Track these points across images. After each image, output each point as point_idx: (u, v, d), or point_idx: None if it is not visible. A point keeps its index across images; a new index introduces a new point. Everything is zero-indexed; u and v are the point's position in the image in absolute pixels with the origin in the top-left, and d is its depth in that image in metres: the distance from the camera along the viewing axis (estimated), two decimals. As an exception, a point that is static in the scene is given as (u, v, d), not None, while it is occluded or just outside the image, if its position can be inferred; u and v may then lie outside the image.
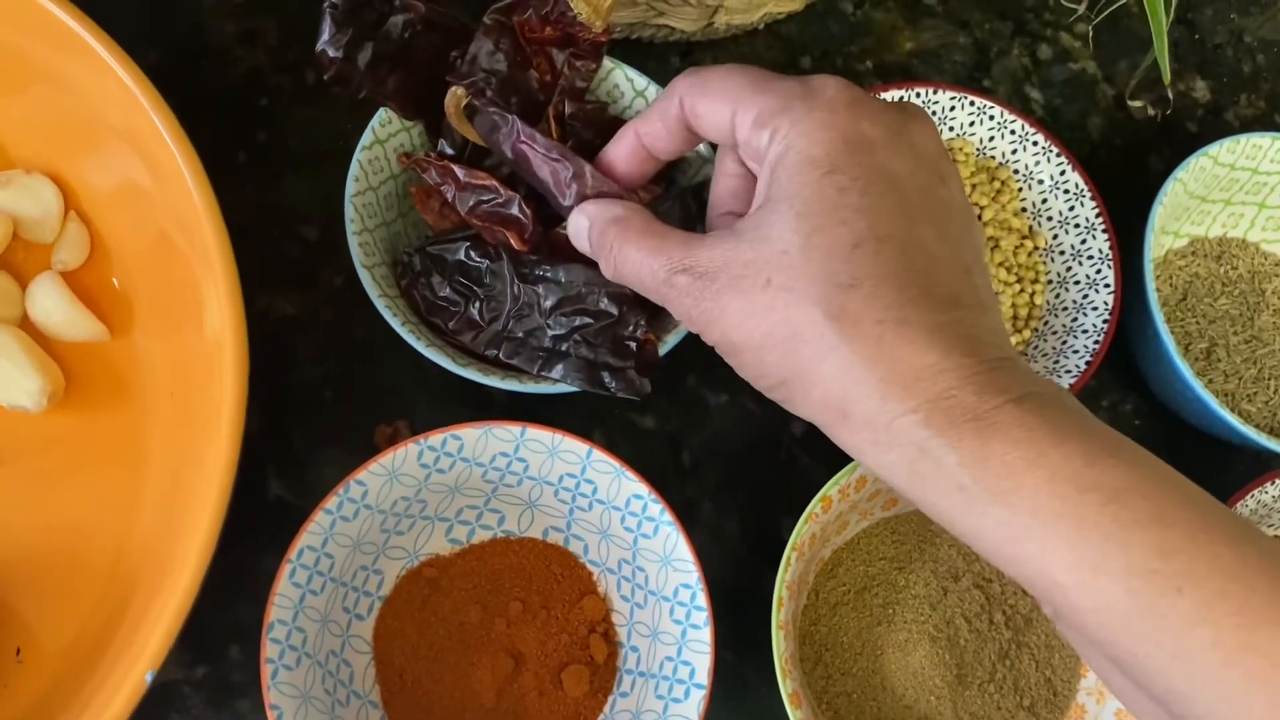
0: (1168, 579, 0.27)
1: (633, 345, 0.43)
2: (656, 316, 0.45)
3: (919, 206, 0.33)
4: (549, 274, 0.43)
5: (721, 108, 0.35)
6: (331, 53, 0.42)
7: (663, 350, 0.44)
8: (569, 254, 0.43)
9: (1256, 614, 0.26)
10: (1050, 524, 0.28)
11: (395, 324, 0.43)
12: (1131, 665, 0.28)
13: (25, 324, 0.47)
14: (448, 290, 0.45)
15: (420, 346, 0.43)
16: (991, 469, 0.29)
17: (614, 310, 0.43)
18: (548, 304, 0.43)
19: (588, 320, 0.43)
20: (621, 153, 0.40)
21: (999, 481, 0.29)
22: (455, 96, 0.43)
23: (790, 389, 0.32)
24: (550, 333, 0.44)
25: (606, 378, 0.43)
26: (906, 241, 0.32)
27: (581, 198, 0.40)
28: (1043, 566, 0.29)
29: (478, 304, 0.45)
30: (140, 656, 0.37)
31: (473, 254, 0.44)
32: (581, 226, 0.39)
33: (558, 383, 0.43)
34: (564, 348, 0.43)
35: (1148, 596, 0.27)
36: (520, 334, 0.44)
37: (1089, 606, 0.28)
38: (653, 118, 0.38)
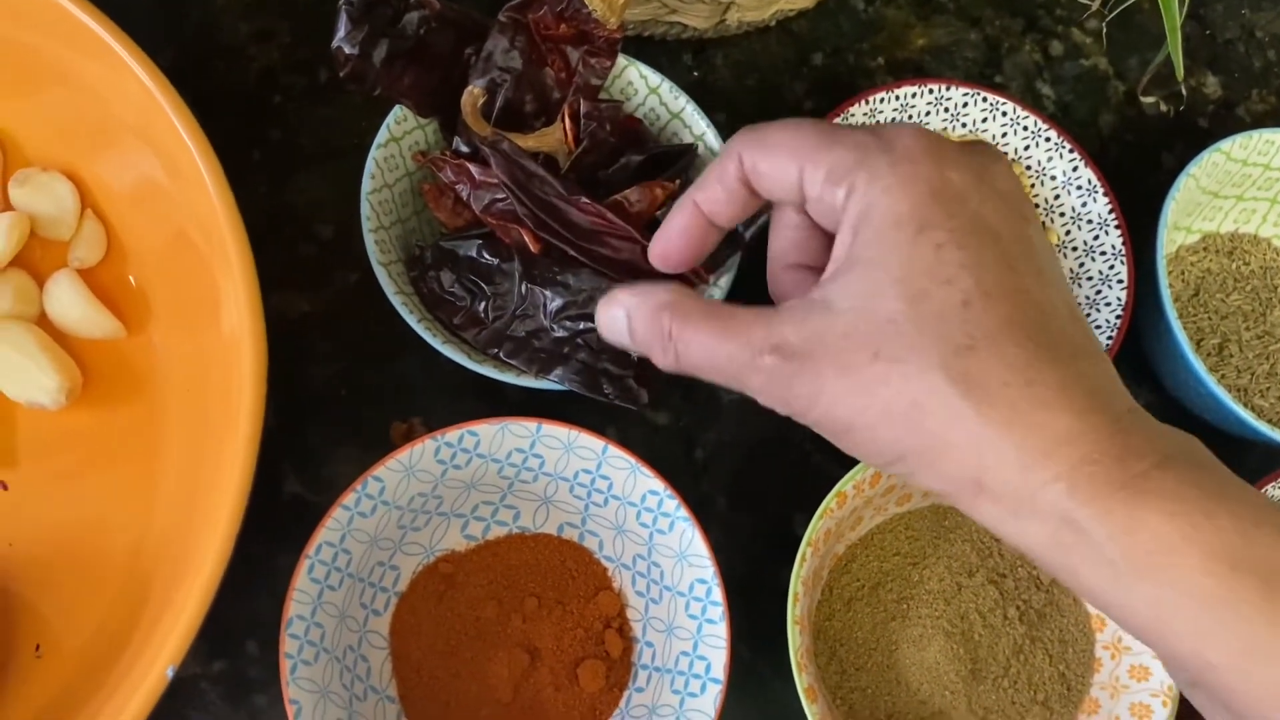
0: None
1: (634, 355, 0.43)
2: None
3: (1017, 254, 0.31)
4: (559, 277, 0.43)
5: (787, 164, 0.33)
6: (347, 49, 0.42)
7: None
8: (579, 260, 0.44)
9: None
10: (1206, 606, 0.27)
11: (411, 321, 0.43)
12: None
13: (43, 321, 0.47)
14: (456, 286, 0.45)
15: (436, 343, 0.43)
16: (1142, 544, 0.27)
17: None
18: (553, 306, 0.44)
19: (591, 326, 0.43)
20: (681, 224, 0.36)
21: (1150, 558, 0.27)
22: (472, 96, 0.44)
23: (913, 463, 0.30)
24: (553, 335, 0.44)
25: (605, 384, 0.43)
26: (1015, 293, 0.30)
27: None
28: (1196, 647, 0.27)
29: (484, 301, 0.45)
30: (161, 652, 0.38)
31: (485, 252, 0.45)
32: (617, 319, 0.35)
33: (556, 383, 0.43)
34: (566, 351, 0.43)
35: None
36: (522, 334, 0.44)
37: (1244, 689, 0.27)
38: (710, 182, 0.35)
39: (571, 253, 0.43)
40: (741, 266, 0.46)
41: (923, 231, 0.30)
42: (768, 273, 0.37)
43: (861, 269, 0.30)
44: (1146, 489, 0.28)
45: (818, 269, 0.34)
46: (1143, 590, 0.27)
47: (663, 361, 0.34)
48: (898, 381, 0.29)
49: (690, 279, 0.45)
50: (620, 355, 0.42)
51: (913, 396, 0.29)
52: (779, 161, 0.33)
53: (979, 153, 0.32)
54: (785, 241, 0.36)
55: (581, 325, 0.43)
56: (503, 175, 0.42)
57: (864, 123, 0.51)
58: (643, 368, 0.43)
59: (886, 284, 0.30)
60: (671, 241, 0.37)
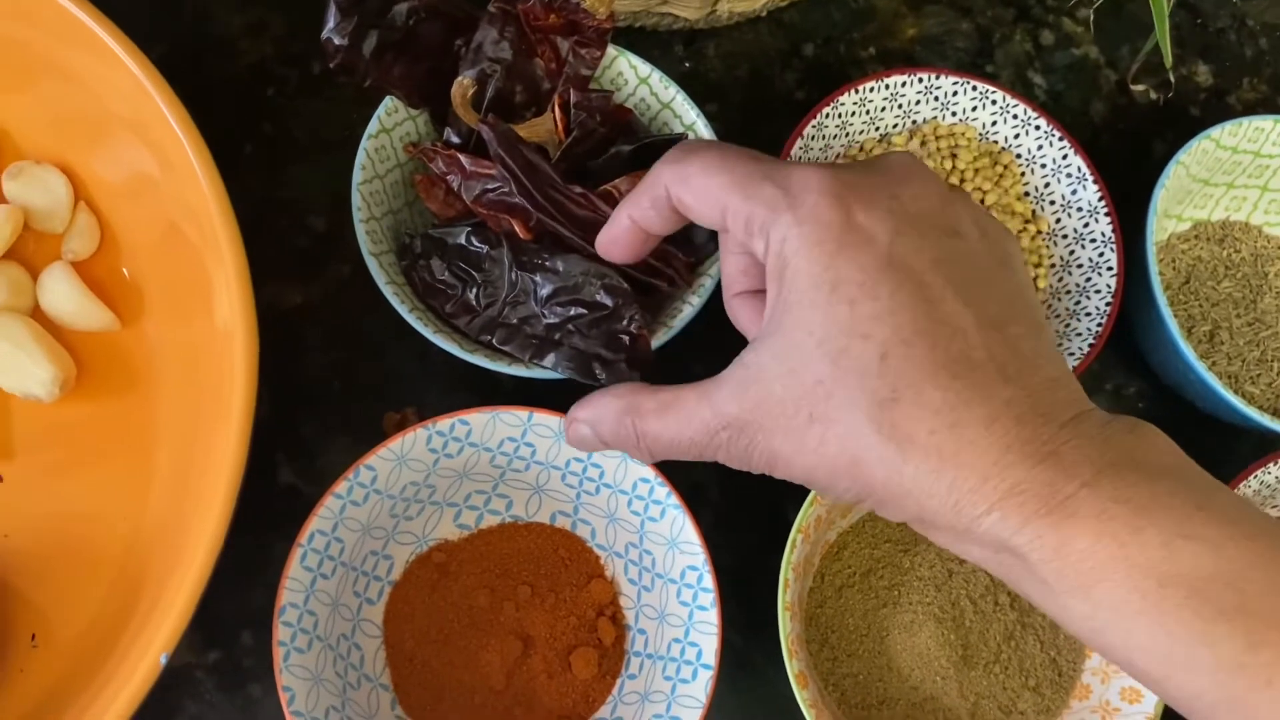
0: (1256, 672, 0.27)
1: (626, 339, 0.43)
2: (654, 309, 0.46)
3: (935, 283, 0.31)
4: (548, 263, 0.44)
5: (710, 204, 0.34)
6: (337, 41, 0.42)
7: (656, 344, 0.44)
8: (569, 244, 0.44)
9: None
10: (1133, 621, 0.28)
11: (403, 311, 0.43)
12: None
13: (37, 314, 0.47)
14: (446, 274, 0.45)
15: (428, 333, 0.43)
16: (1071, 565, 0.29)
17: (609, 302, 0.43)
18: (544, 292, 0.44)
19: (582, 311, 0.43)
20: (617, 235, 0.39)
21: (1079, 578, 0.29)
22: (462, 87, 0.44)
23: (870, 504, 0.32)
24: (545, 321, 0.44)
25: (597, 369, 0.43)
26: (933, 330, 0.31)
27: None
28: (1129, 659, 0.29)
29: (475, 289, 0.45)
30: (154, 640, 0.38)
31: (473, 239, 0.45)
32: (584, 435, 0.39)
33: (550, 370, 0.44)
34: (558, 337, 0.44)
35: (1238, 690, 0.27)
36: (514, 321, 0.44)
37: (1180, 696, 0.29)
38: (642, 202, 0.37)
39: (566, 234, 0.43)
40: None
41: (835, 290, 0.31)
42: (723, 299, 0.39)
43: (786, 332, 0.32)
44: (1075, 511, 0.29)
45: (763, 294, 0.35)
46: (1077, 607, 0.29)
47: (641, 458, 0.37)
48: (834, 441, 0.31)
49: (672, 278, 0.45)
50: (612, 340, 0.43)
51: (851, 454, 0.31)
52: (701, 202, 0.34)
53: (888, 179, 0.33)
54: (732, 269, 0.38)
55: (572, 311, 0.43)
56: (501, 152, 0.42)
57: (854, 111, 0.51)
58: (633, 352, 0.43)
59: (810, 346, 0.31)
60: (614, 243, 0.39)
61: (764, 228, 0.33)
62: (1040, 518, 0.29)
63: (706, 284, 0.45)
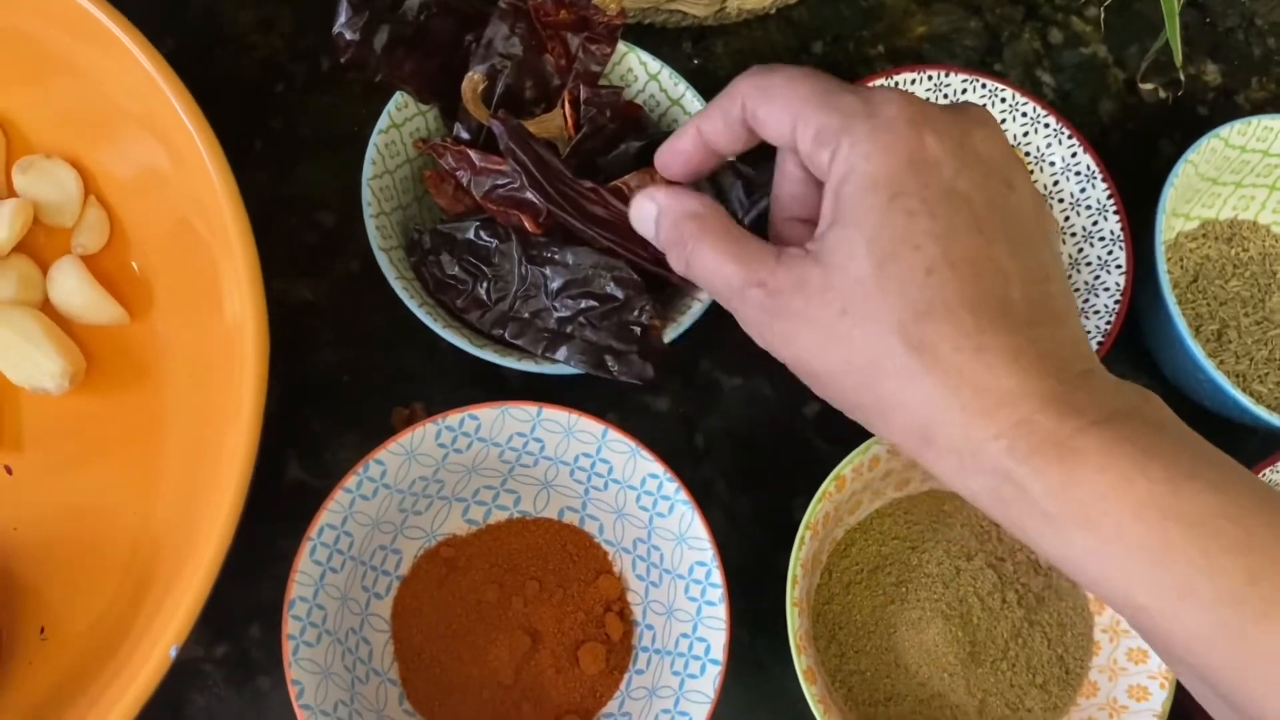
0: (1255, 606, 0.27)
1: (637, 330, 0.43)
2: (664, 303, 0.46)
3: (990, 221, 0.32)
4: (557, 256, 0.44)
5: (783, 117, 0.35)
6: (348, 35, 0.42)
7: (669, 337, 0.44)
8: (580, 238, 0.44)
9: None
10: (1135, 553, 0.28)
11: (413, 306, 0.43)
12: (1222, 687, 0.28)
13: (46, 307, 0.47)
14: (456, 269, 0.45)
15: (437, 328, 0.43)
16: (1075, 498, 0.29)
17: (619, 295, 0.43)
18: (554, 286, 0.44)
19: (593, 303, 0.43)
20: (683, 146, 0.39)
21: (1083, 510, 0.29)
22: (472, 82, 0.44)
23: (870, 414, 0.32)
24: (556, 314, 0.44)
25: (610, 361, 0.43)
26: (980, 262, 0.31)
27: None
28: (1129, 593, 0.29)
29: (485, 283, 0.45)
30: (164, 633, 0.38)
31: (482, 234, 0.45)
32: (648, 212, 0.38)
33: (560, 364, 0.44)
34: (569, 330, 0.44)
35: (1236, 624, 0.27)
36: (526, 314, 0.44)
37: (1177, 632, 0.28)
38: (714, 115, 0.37)
39: (577, 226, 0.43)
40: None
41: (896, 198, 0.32)
42: (770, 222, 0.39)
43: (841, 229, 0.32)
44: (1082, 446, 0.29)
45: (814, 223, 0.35)
46: (1078, 539, 0.29)
47: (675, 265, 0.37)
48: (860, 339, 0.31)
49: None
50: (623, 331, 0.43)
51: (872, 355, 0.31)
52: (776, 112, 0.35)
53: (963, 118, 0.34)
54: (786, 194, 0.38)
55: (583, 304, 0.43)
56: (513, 146, 0.42)
57: (863, 109, 0.51)
58: (645, 343, 0.43)
59: (860, 245, 0.32)
60: (675, 157, 0.40)
61: (836, 135, 0.33)
62: (1048, 448, 0.29)
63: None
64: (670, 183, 0.40)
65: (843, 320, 0.32)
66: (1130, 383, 0.32)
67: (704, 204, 0.37)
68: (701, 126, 0.38)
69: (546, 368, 0.44)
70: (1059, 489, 0.29)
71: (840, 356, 0.32)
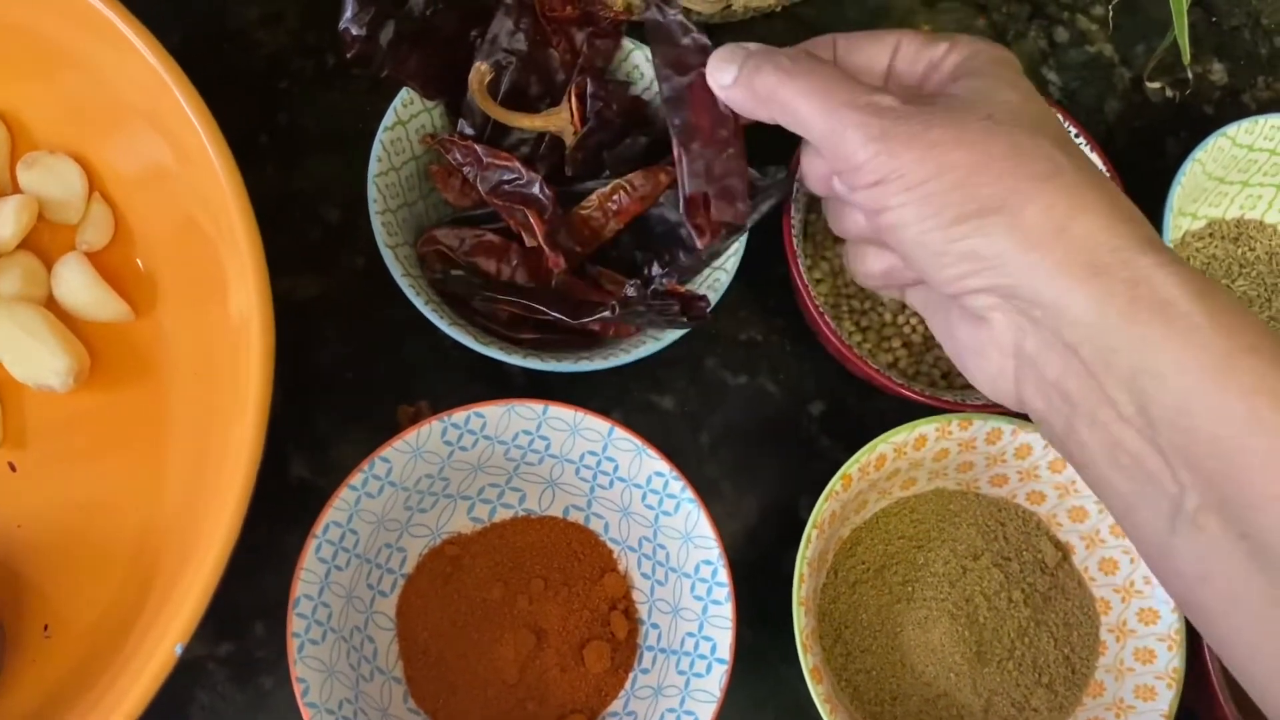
0: None
1: (671, 303, 0.43)
2: (687, 273, 0.46)
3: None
4: None
5: (885, 41, 0.38)
6: (354, 31, 0.42)
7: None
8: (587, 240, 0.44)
9: None
10: (1274, 362, 0.29)
11: (419, 303, 0.43)
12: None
13: (51, 304, 0.47)
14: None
15: (443, 325, 0.43)
16: (1219, 306, 0.30)
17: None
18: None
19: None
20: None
21: (1226, 317, 0.29)
22: (479, 73, 0.44)
23: (991, 215, 0.32)
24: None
25: (671, 308, 0.43)
26: (1084, 157, 0.34)
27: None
28: (1252, 405, 0.29)
29: None
30: (168, 631, 0.38)
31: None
32: (737, 53, 0.37)
33: (580, 359, 0.43)
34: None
35: None
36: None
37: (1230, 449, 0.29)
38: (794, 52, 0.38)
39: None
40: (749, 246, 0.46)
41: (1018, 81, 0.35)
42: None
43: (978, 76, 0.35)
44: (1165, 279, 0.30)
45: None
46: (1217, 345, 0.29)
47: (768, 80, 0.36)
48: (1004, 136, 0.32)
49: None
50: (661, 310, 0.43)
51: (1019, 145, 0.32)
52: (879, 37, 0.38)
53: None
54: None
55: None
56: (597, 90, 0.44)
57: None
58: (683, 301, 0.43)
59: (1003, 84, 0.34)
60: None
61: (950, 36, 0.37)
62: (1179, 263, 0.31)
63: (722, 278, 0.45)
64: None
65: (985, 124, 0.32)
66: None
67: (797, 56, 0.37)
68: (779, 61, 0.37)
69: (551, 365, 0.43)
70: (1204, 294, 0.30)
71: (976, 153, 0.32)
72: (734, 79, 0.37)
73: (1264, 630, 0.30)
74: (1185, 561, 0.31)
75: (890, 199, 0.33)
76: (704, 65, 0.39)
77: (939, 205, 0.32)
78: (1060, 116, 0.52)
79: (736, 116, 0.40)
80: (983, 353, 0.35)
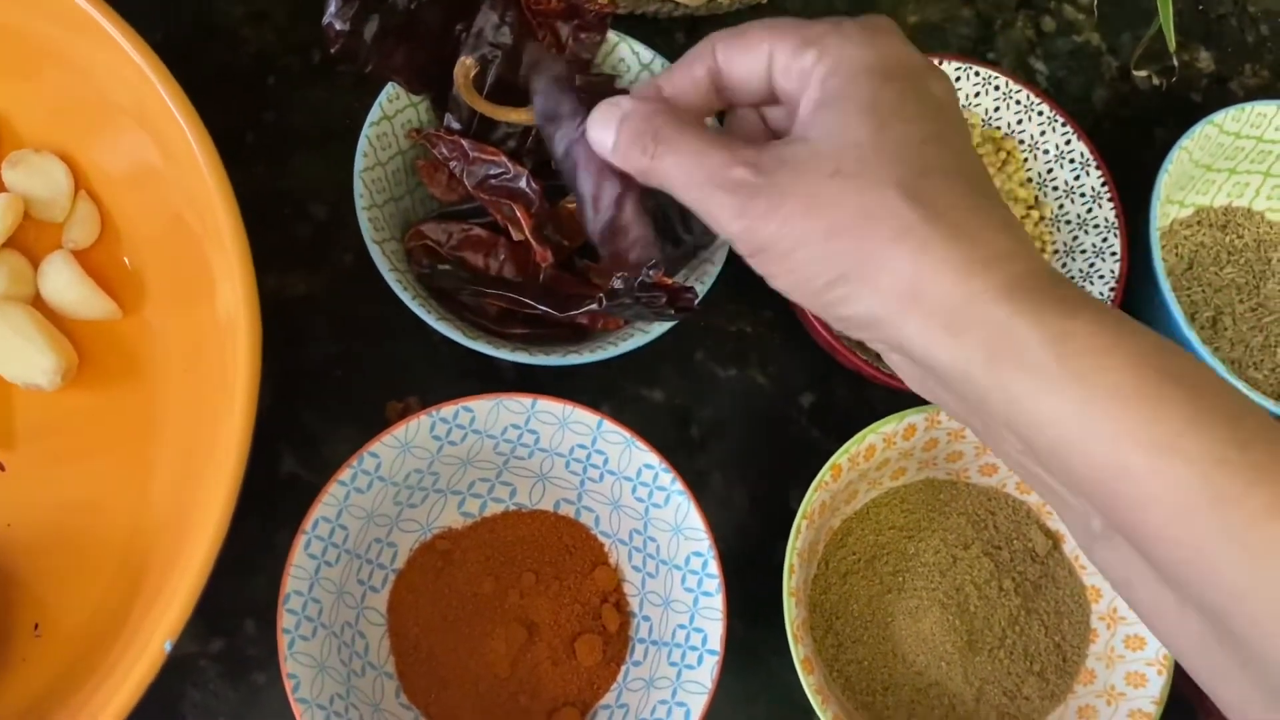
0: (1243, 470, 0.27)
1: (659, 295, 0.42)
2: (678, 263, 0.46)
3: (962, 130, 0.33)
4: None
5: (759, 48, 0.35)
6: (338, 26, 0.42)
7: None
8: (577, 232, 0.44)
9: None
10: (1130, 404, 0.28)
11: (406, 298, 0.43)
12: (1191, 565, 0.28)
13: (38, 303, 0.47)
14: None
15: (431, 320, 0.43)
16: (1074, 349, 0.29)
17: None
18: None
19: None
20: (641, 106, 0.37)
21: (1081, 360, 0.29)
22: (464, 67, 0.44)
23: (852, 281, 0.31)
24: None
25: (657, 302, 0.42)
26: (964, 147, 0.32)
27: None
28: (1116, 451, 0.28)
29: None
30: (158, 627, 0.38)
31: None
32: (610, 115, 0.36)
33: (569, 353, 0.43)
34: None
35: (1223, 484, 0.27)
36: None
37: (1158, 495, 0.28)
38: (680, 71, 0.36)
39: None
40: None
41: (889, 80, 0.32)
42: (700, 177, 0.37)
43: (831, 107, 0.32)
44: (1078, 301, 0.30)
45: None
46: (1071, 393, 0.29)
47: (638, 162, 0.35)
48: (853, 195, 0.31)
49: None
50: (648, 303, 0.42)
51: (866, 208, 0.31)
52: (751, 45, 0.35)
53: (922, 58, 0.35)
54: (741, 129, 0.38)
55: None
56: (555, 85, 0.42)
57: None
58: (668, 292, 0.42)
59: (854, 115, 0.32)
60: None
61: (822, 36, 0.33)
62: (1048, 301, 0.29)
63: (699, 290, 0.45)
64: None
65: (833, 182, 0.31)
66: None
67: (654, 105, 0.35)
68: (664, 85, 0.37)
69: (540, 359, 0.43)
70: (1057, 340, 0.29)
71: (826, 219, 0.31)
72: (612, 147, 0.36)
73: (1185, 634, 0.30)
74: (1108, 566, 0.32)
75: (768, 268, 0.33)
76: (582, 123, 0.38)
77: (806, 275, 0.32)
78: (1047, 107, 0.52)
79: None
80: (897, 367, 0.36)
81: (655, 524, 0.44)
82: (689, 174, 0.34)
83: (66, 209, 0.48)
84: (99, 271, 0.47)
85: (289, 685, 0.40)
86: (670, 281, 0.43)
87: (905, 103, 0.32)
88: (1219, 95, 0.61)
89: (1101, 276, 0.50)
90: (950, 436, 0.46)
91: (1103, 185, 0.51)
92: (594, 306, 0.42)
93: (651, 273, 0.42)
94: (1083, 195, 0.52)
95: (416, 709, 0.44)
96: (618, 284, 0.41)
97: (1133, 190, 0.51)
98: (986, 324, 0.30)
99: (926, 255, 0.30)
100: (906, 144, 0.31)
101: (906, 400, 0.45)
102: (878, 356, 0.50)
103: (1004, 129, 0.53)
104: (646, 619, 0.45)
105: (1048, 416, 0.29)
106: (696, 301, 0.43)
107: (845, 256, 0.31)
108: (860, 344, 0.49)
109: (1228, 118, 0.52)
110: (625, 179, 0.37)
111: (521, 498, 0.47)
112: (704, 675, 0.42)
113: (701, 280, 0.45)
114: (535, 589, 0.45)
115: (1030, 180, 0.54)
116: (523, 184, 0.44)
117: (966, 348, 0.30)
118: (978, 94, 0.53)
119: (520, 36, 0.45)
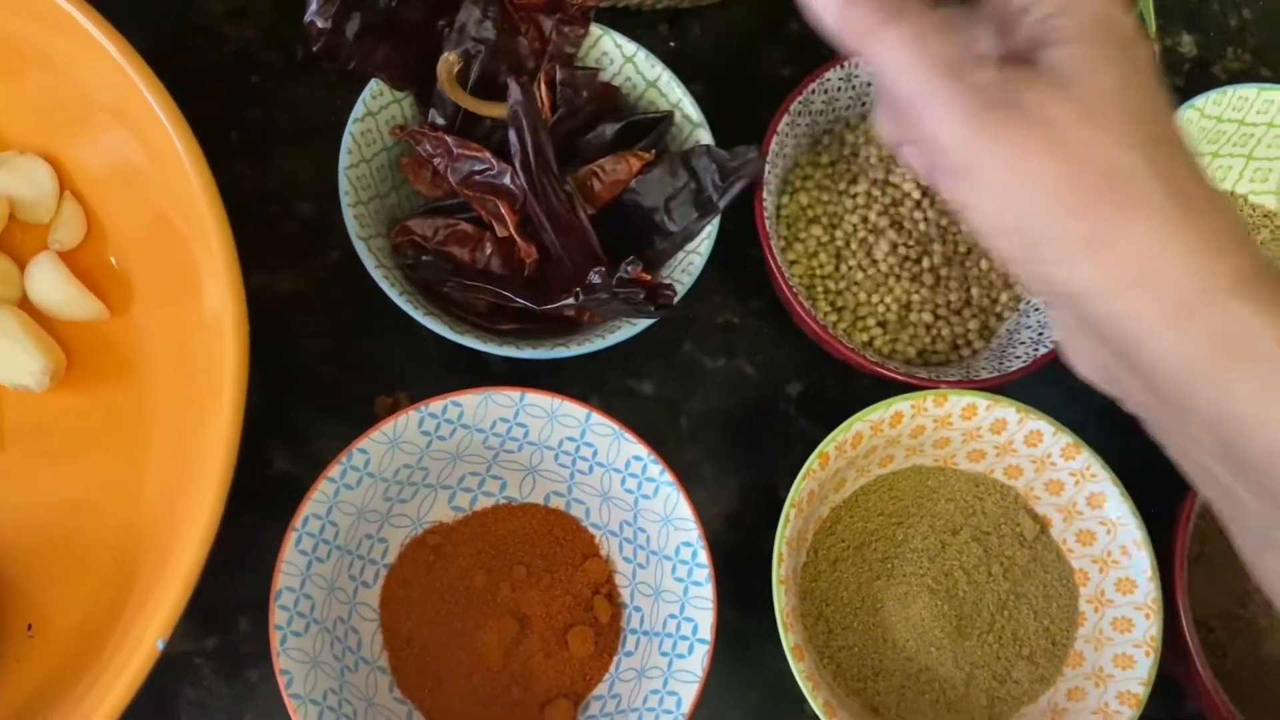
0: None
1: (637, 290, 0.42)
2: (657, 260, 0.46)
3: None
4: None
5: None
6: (320, 23, 0.42)
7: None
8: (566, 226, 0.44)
9: None
10: None
11: (393, 294, 0.43)
12: None
13: (25, 304, 0.47)
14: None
15: (418, 315, 0.43)
16: None
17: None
18: None
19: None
20: None
21: None
22: (447, 63, 0.44)
23: (1077, 244, 0.29)
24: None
25: (637, 298, 0.43)
26: (1181, 132, 0.30)
27: None
28: None
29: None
30: (150, 626, 0.38)
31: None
32: None
33: (556, 346, 0.44)
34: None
35: None
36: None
37: None
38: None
39: (544, 222, 0.43)
40: (723, 230, 0.46)
41: (1129, 45, 0.30)
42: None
43: (1083, 45, 0.30)
44: None
45: None
46: None
47: (864, 21, 0.30)
48: (1098, 149, 0.28)
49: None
50: (626, 299, 0.42)
51: (1109, 165, 0.28)
52: None
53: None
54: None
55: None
56: (522, 112, 0.42)
57: (840, 87, 0.51)
58: (646, 289, 0.43)
59: (1104, 61, 0.29)
60: None
61: None
62: (1277, 297, 0.28)
63: (696, 261, 0.46)
64: None
65: (1080, 126, 0.28)
66: None
67: None
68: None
69: (528, 353, 0.44)
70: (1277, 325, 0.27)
71: (1069, 166, 0.28)
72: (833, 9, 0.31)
73: None
74: (1276, 577, 0.31)
75: (971, 197, 0.30)
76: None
77: (1022, 218, 0.29)
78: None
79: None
80: (1074, 346, 0.33)
81: (645, 515, 0.45)
82: (918, 54, 0.29)
83: (52, 210, 0.48)
84: (85, 272, 0.47)
85: (282, 681, 0.40)
86: (648, 277, 0.43)
87: (1139, 70, 0.30)
88: (1201, 79, 0.61)
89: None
90: (937, 423, 0.46)
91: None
92: (569, 300, 0.43)
93: (630, 268, 0.42)
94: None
95: (410, 703, 0.44)
96: (595, 279, 0.41)
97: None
98: (1216, 314, 0.28)
99: (1165, 231, 0.28)
100: (1150, 108, 0.29)
101: (894, 389, 0.45)
102: (865, 344, 0.50)
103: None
104: (638, 609, 0.45)
105: (1272, 417, 0.28)
106: (676, 298, 0.43)
107: (1079, 218, 0.29)
108: (848, 334, 0.50)
109: (1209, 101, 0.52)
110: None
111: (511, 491, 0.47)
112: (695, 664, 0.42)
113: (688, 272, 0.45)
114: (526, 582, 0.46)
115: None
116: (506, 180, 0.44)
117: (1190, 337, 0.28)
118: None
119: (503, 31, 0.45)
